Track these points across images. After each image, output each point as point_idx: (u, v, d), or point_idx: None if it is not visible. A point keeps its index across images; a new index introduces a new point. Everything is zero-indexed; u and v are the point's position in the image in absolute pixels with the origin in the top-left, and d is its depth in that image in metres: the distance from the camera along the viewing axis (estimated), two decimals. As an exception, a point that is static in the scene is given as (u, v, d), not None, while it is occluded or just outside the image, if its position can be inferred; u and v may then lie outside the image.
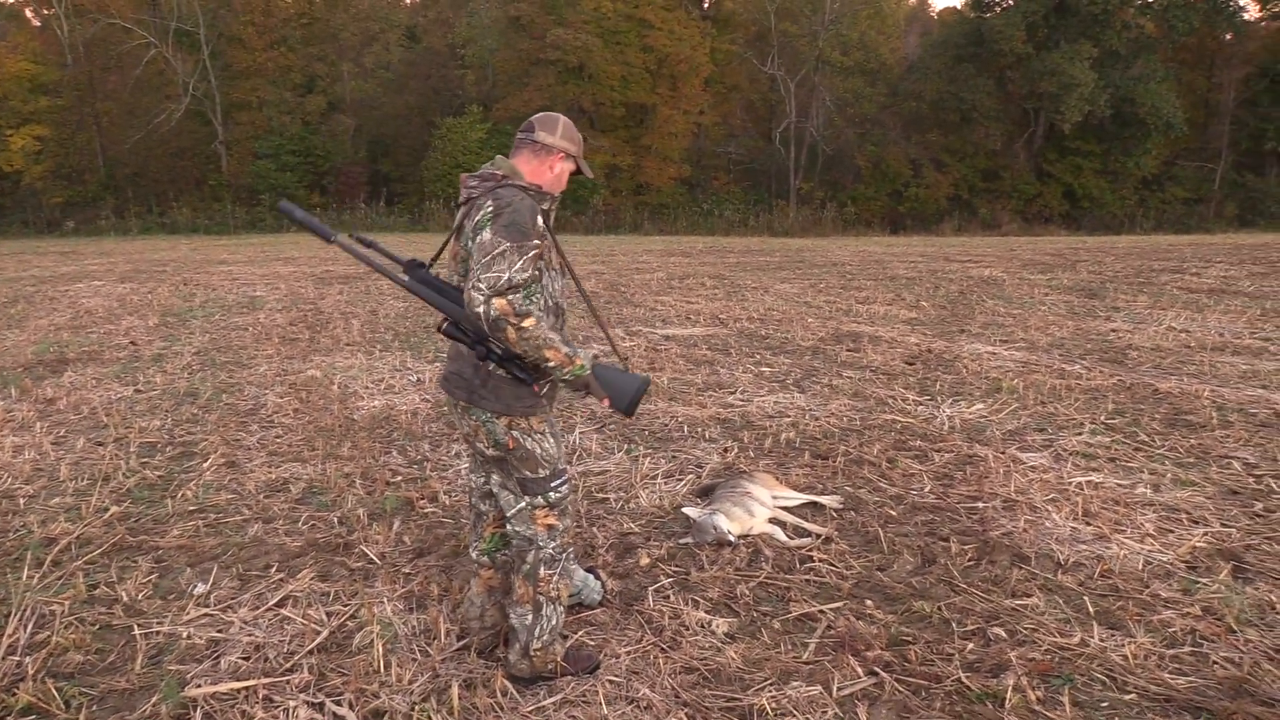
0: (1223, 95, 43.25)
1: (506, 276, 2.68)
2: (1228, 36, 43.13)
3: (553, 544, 3.01)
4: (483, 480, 3.15)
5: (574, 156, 3.05)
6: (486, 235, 2.72)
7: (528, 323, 2.68)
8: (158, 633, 3.42)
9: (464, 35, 43.25)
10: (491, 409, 2.89)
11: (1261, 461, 5.21)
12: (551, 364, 2.76)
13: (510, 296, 2.67)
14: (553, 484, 2.99)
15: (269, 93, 38.34)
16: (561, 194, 3.08)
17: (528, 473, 2.95)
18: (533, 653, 3.01)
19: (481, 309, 2.66)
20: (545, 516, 3.00)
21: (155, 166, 39.04)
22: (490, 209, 2.78)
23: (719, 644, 3.27)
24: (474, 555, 3.26)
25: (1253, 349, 8.58)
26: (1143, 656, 3.13)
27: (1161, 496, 4.67)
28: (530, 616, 3.01)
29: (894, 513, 4.55)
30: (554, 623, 3.04)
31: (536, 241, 2.76)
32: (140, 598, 3.70)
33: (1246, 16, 43.03)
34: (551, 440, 2.99)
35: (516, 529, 3.02)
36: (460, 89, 42.37)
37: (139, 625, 3.46)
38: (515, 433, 2.91)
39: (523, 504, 2.99)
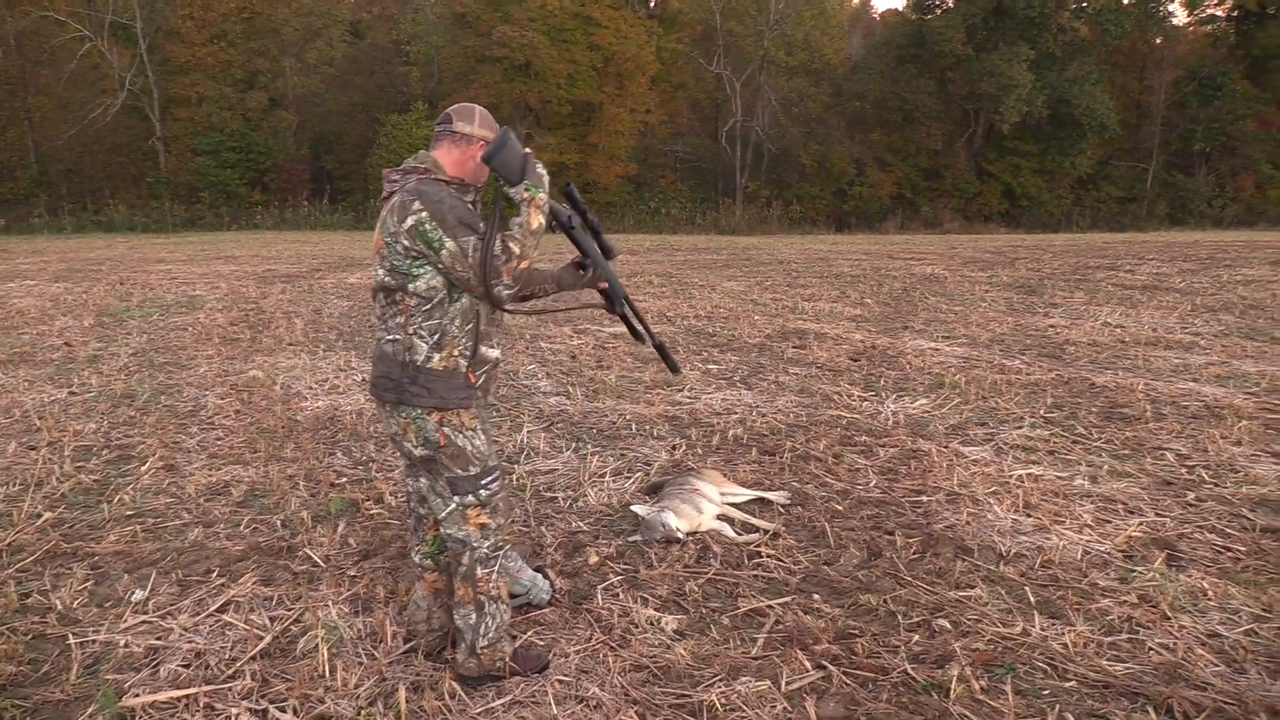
0: (1153, 97, 44.40)
1: (501, 261, 2.78)
2: (1158, 40, 44.35)
3: (486, 543, 3.00)
4: (418, 484, 3.12)
5: None
6: (451, 245, 2.77)
7: (524, 264, 2.85)
8: (94, 641, 3.33)
9: (408, 31, 42.78)
10: (424, 404, 2.88)
11: (1193, 452, 5.36)
12: (537, 227, 2.90)
13: (507, 267, 2.80)
14: (483, 481, 2.97)
15: (208, 88, 37.56)
16: (484, 186, 3.08)
17: (458, 471, 2.94)
18: (480, 651, 3.00)
19: (508, 293, 2.83)
20: (477, 515, 2.98)
21: (90, 163, 38.03)
22: (424, 213, 2.77)
23: (668, 641, 3.27)
24: (416, 559, 3.23)
25: (1184, 343, 8.82)
26: (1082, 644, 3.20)
27: (1099, 488, 4.78)
28: (474, 616, 3.00)
29: (840, 507, 4.60)
30: (499, 620, 3.03)
31: (482, 226, 2.82)
32: (75, 606, 3.61)
33: (1175, 21, 44.38)
34: (482, 437, 2.98)
35: (449, 531, 3.00)
36: (405, 86, 41.89)
37: (74, 634, 3.37)
38: (446, 429, 2.90)
39: (453, 505, 2.97)
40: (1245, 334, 9.30)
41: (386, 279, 2.87)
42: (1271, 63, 41.23)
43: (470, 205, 2.92)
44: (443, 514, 3.00)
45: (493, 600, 3.01)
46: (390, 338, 2.91)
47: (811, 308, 11.78)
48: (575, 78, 39.63)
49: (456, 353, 2.89)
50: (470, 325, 2.93)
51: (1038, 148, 41.59)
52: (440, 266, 2.81)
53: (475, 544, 2.98)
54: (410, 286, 2.84)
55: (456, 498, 2.96)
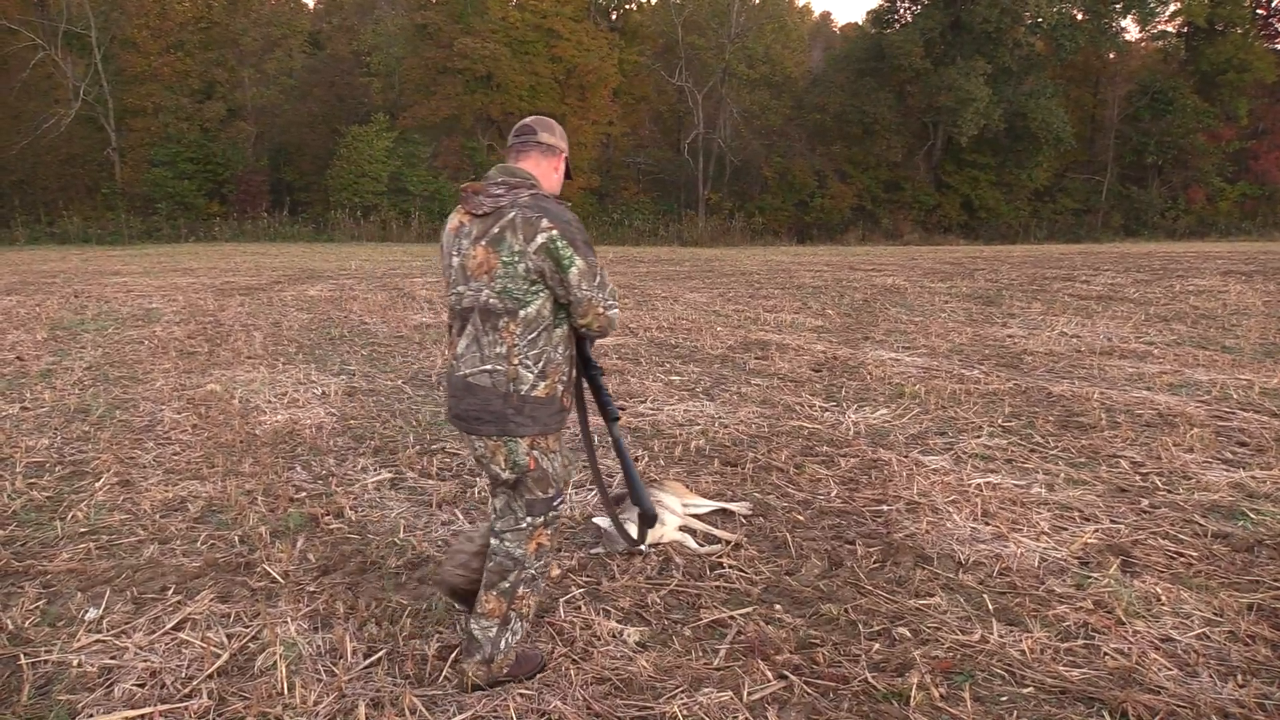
0: (1107, 111, 45.28)
1: (610, 286, 2.93)
2: (1111, 55, 45.25)
3: (538, 564, 3.06)
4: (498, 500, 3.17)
5: (567, 159, 3.14)
6: (580, 264, 2.81)
7: (615, 311, 3.00)
8: (46, 661, 3.26)
9: (369, 42, 42.57)
10: (527, 433, 2.90)
11: (1147, 460, 5.46)
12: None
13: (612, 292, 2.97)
14: (554, 502, 3.04)
15: (165, 98, 37.06)
16: None
17: (539, 493, 2.99)
18: (493, 660, 3.02)
19: (615, 314, 2.96)
20: (540, 536, 3.05)
21: (44, 174, 37.34)
22: (554, 231, 2.79)
23: (630, 653, 3.27)
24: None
25: (1138, 353, 8.98)
26: (1039, 650, 3.24)
27: (1055, 496, 4.85)
28: (495, 630, 3.02)
29: (801, 517, 4.62)
30: (519, 636, 3.07)
31: None
32: (27, 625, 3.53)
33: (1128, 37, 45.31)
34: (561, 459, 3.04)
35: (509, 548, 3.02)
36: (366, 97, 41.64)
37: (25, 654, 3.29)
38: (536, 453, 2.95)
39: (525, 525, 3.02)
40: (1197, 343, 9.49)
41: (493, 302, 2.83)
42: (1220, 77, 42.25)
43: None
44: (510, 528, 3.04)
45: (521, 618, 3.06)
46: (488, 368, 2.86)
47: (773, 319, 11.85)
48: (537, 90, 39.67)
49: (557, 379, 2.92)
50: (568, 351, 2.97)
51: (995, 160, 42.26)
52: (564, 285, 2.82)
53: (529, 565, 3.04)
54: (521, 313, 2.82)
55: (529, 519, 3.00)
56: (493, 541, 3.07)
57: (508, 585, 3.01)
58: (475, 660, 3.04)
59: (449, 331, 3.04)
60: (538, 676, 3.11)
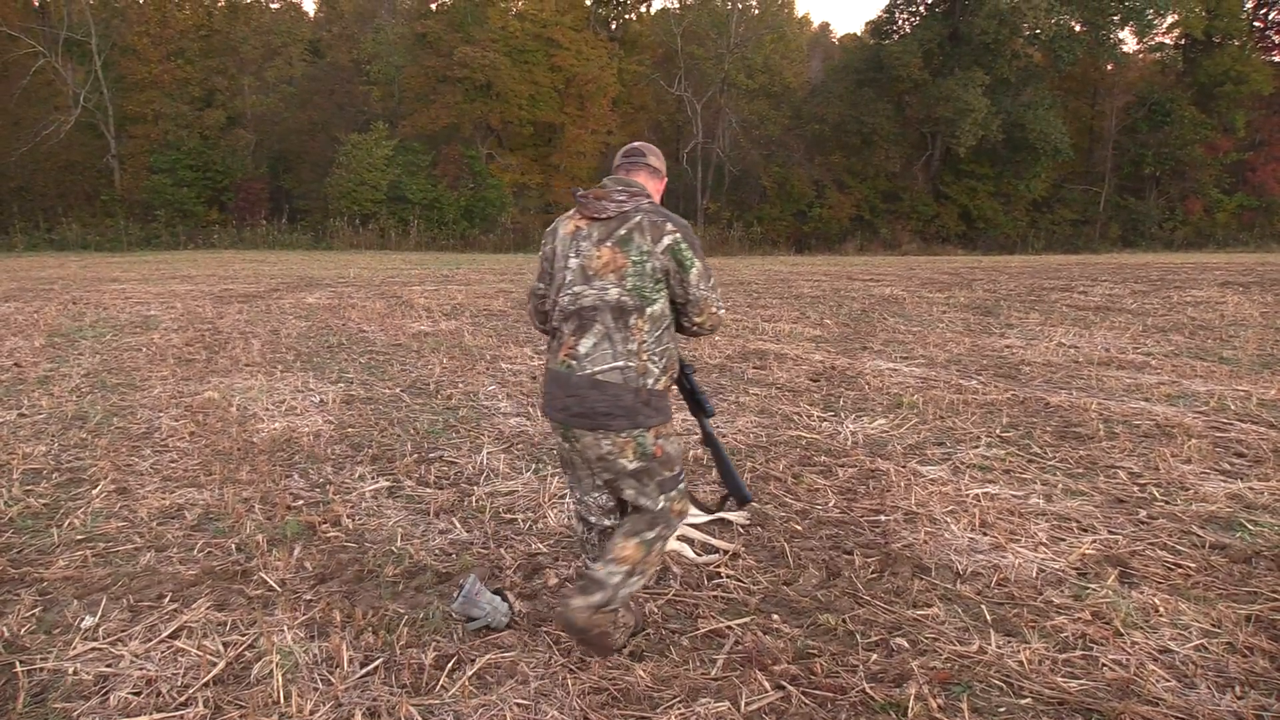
0: (1105, 122, 45.46)
1: (719, 289, 3.23)
2: (1109, 67, 45.43)
3: (677, 527, 3.32)
4: (602, 499, 3.31)
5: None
6: (700, 266, 3.10)
7: (723, 311, 3.27)
8: (42, 669, 3.25)
9: (369, 51, 42.68)
10: (654, 423, 3.09)
11: (1145, 471, 5.46)
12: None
13: None
14: (680, 477, 3.25)
15: (165, 106, 37.16)
16: None
17: (666, 473, 3.18)
18: (601, 610, 3.09)
19: (724, 314, 3.23)
20: (678, 504, 3.26)
21: (43, 180, 37.36)
22: (678, 234, 3.07)
23: (627, 663, 3.26)
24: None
25: (1135, 363, 8.99)
26: (1037, 661, 3.24)
27: (1053, 506, 4.85)
28: (619, 577, 3.10)
29: (799, 527, 4.62)
30: (634, 591, 3.19)
31: None
32: (23, 632, 3.52)
33: (1126, 48, 45.51)
34: (677, 440, 3.27)
35: (649, 503, 3.20)
36: (365, 105, 41.75)
37: (21, 662, 3.28)
38: (660, 440, 3.13)
39: (662, 503, 3.19)
40: (1194, 354, 9.50)
41: (624, 299, 3.01)
42: (1218, 89, 42.43)
43: None
44: (645, 500, 3.19)
45: (644, 575, 3.19)
46: (619, 364, 3.03)
47: (772, 328, 11.86)
48: (537, 99, 39.78)
49: (672, 373, 3.19)
50: (675, 346, 3.21)
51: (993, 171, 42.39)
52: (684, 285, 3.07)
53: (672, 524, 3.25)
54: (648, 310, 3.03)
55: (664, 496, 3.19)
56: (640, 507, 3.23)
57: (651, 536, 3.16)
58: (589, 601, 3.07)
59: (557, 334, 3.18)
60: (534, 685, 3.10)
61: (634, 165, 3.22)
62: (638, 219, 3.03)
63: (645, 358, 3.03)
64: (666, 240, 3.02)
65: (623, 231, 3.03)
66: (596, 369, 3.03)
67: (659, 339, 3.06)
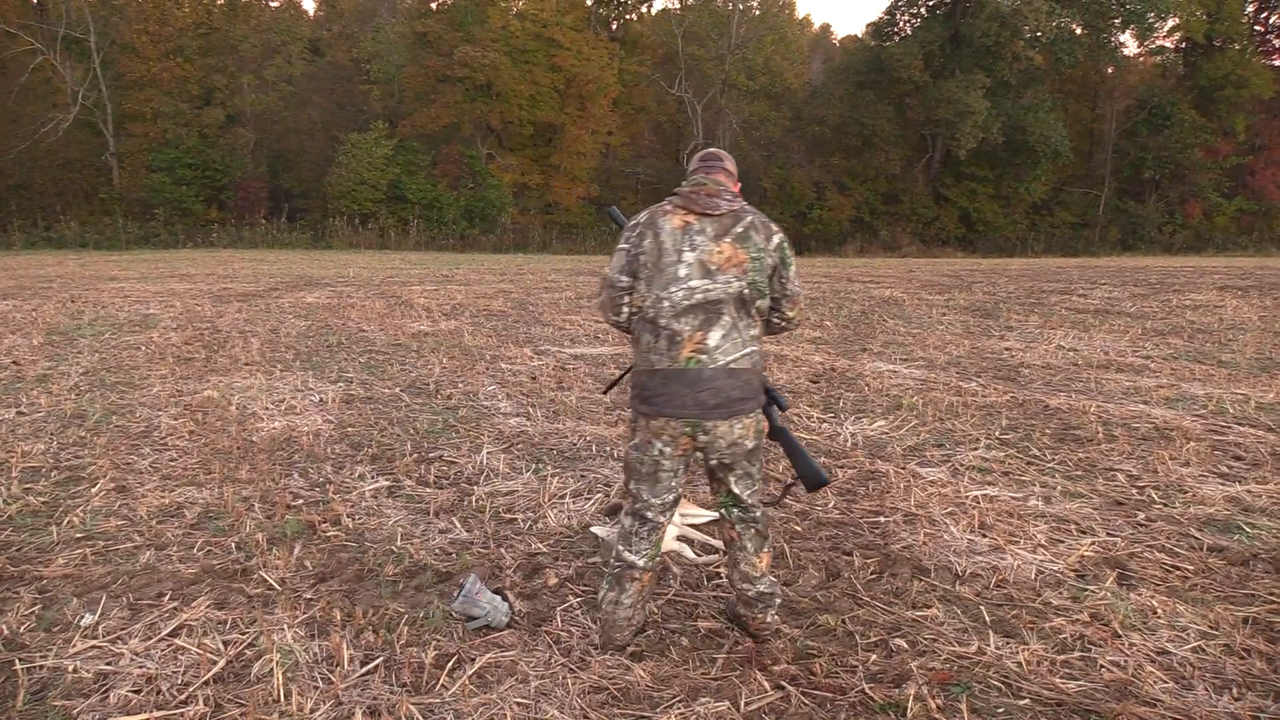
0: (1105, 125, 45.50)
1: None
2: (1109, 70, 45.49)
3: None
4: (672, 495, 3.34)
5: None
6: (795, 265, 3.33)
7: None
8: (41, 667, 3.26)
9: (369, 50, 42.69)
10: (763, 403, 3.30)
11: (1143, 473, 5.47)
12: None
13: None
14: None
15: (164, 104, 37.17)
16: None
17: (760, 450, 3.33)
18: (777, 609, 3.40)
19: (805, 305, 3.39)
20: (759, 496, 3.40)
21: (41, 178, 37.39)
22: (782, 234, 3.31)
23: (627, 663, 3.27)
24: (643, 563, 3.31)
25: (1134, 366, 9.00)
26: (1036, 662, 3.24)
27: (1052, 508, 4.86)
28: (771, 578, 3.39)
29: (799, 528, 4.63)
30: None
31: None
32: (22, 630, 3.52)
33: (1126, 51, 45.58)
34: None
35: (761, 511, 3.37)
36: (365, 104, 41.75)
37: (21, 659, 3.28)
38: (761, 419, 3.32)
39: (759, 482, 3.35)
40: (1193, 357, 9.51)
41: (746, 291, 3.17)
42: (1218, 93, 42.50)
43: None
44: (750, 491, 3.33)
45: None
46: (747, 351, 3.19)
47: (771, 329, 11.84)
48: (537, 99, 39.79)
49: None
50: None
51: (993, 173, 42.42)
52: (784, 280, 3.29)
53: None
54: (759, 302, 3.22)
55: (760, 477, 3.36)
56: (748, 513, 3.34)
57: (769, 537, 3.41)
58: (774, 609, 3.37)
59: (666, 331, 3.15)
60: (534, 685, 3.11)
61: (712, 170, 3.33)
62: (749, 218, 3.20)
63: (761, 345, 3.25)
64: (776, 239, 3.24)
65: (739, 229, 3.17)
66: (729, 359, 3.14)
67: (763, 328, 3.32)
